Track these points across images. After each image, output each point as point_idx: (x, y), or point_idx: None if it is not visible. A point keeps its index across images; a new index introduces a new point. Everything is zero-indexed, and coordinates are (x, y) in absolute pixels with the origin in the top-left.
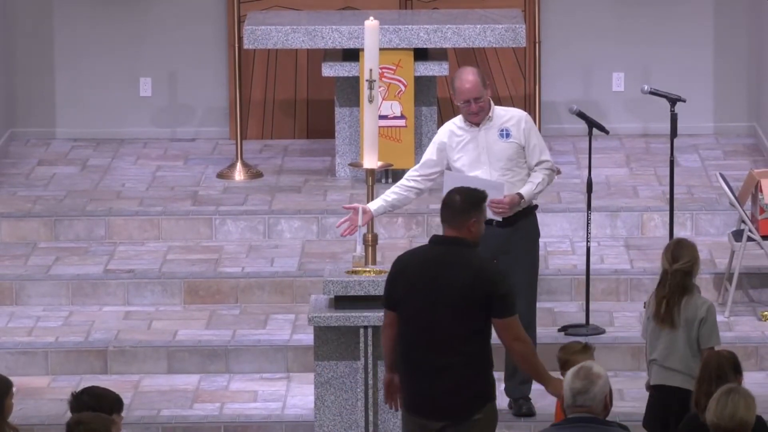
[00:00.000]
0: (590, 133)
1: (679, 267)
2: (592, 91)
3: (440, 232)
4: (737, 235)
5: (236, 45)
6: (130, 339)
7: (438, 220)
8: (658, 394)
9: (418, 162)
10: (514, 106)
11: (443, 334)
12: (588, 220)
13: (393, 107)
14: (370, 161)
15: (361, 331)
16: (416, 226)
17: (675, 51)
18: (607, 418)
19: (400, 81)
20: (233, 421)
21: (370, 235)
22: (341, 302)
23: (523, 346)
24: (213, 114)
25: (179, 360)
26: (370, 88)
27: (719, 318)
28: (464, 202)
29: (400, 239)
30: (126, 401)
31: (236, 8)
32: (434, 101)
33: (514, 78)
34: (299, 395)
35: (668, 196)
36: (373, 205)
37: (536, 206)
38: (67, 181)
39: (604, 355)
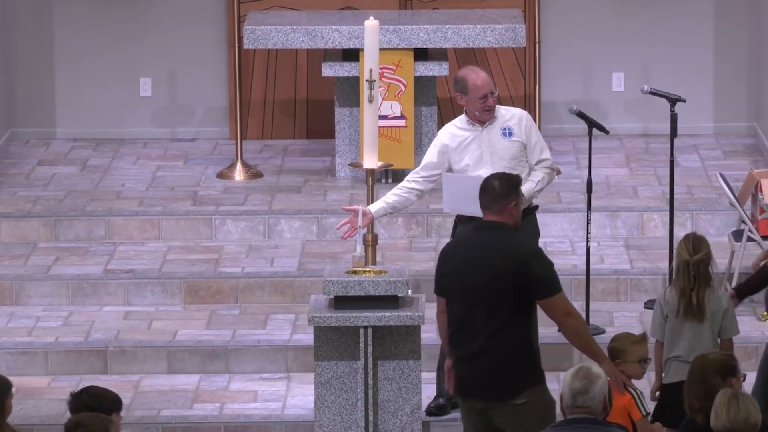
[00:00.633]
0: (590, 133)
1: (701, 257)
2: (592, 91)
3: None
4: (737, 235)
5: (236, 45)
6: (130, 339)
7: (438, 219)
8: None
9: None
10: (514, 106)
11: (484, 317)
12: (588, 220)
13: (393, 107)
14: (370, 161)
15: (361, 331)
16: (416, 226)
17: (675, 51)
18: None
19: (400, 81)
20: (233, 421)
21: (370, 236)
22: (341, 302)
23: (574, 321)
24: (213, 114)
25: (179, 360)
26: (370, 88)
27: None
28: (503, 187)
29: (400, 239)
30: (126, 401)
31: (236, 8)
32: (434, 101)
33: (514, 78)
34: (299, 395)
35: (668, 196)
36: (374, 207)
37: (536, 207)
38: (67, 181)
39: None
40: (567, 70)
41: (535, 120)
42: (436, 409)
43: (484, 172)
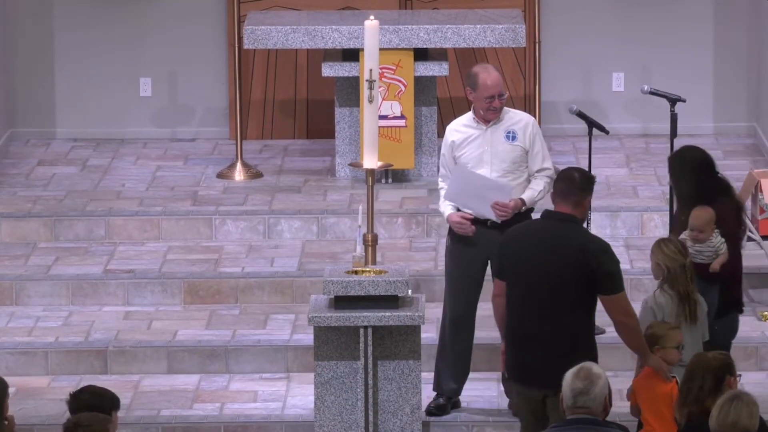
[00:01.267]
0: (590, 133)
1: (690, 261)
2: (592, 91)
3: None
4: None
5: (236, 45)
6: (130, 339)
7: (438, 219)
8: None
9: (418, 163)
10: (514, 106)
11: (544, 305)
12: (588, 221)
13: (393, 107)
14: (370, 161)
15: (361, 331)
16: (416, 226)
17: (675, 51)
18: (607, 418)
19: (400, 81)
20: (233, 421)
21: (370, 235)
22: (341, 302)
23: (631, 321)
24: (213, 114)
25: (179, 360)
26: (370, 88)
27: None
28: (583, 180)
29: (400, 239)
30: (126, 401)
31: (236, 8)
32: (434, 101)
33: (514, 78)
34: (299, 395)
35: (668, 196)
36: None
37: (532, 209)
38: (67, 181)
39: (604, 355)
40: (567, 70)
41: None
42: (436, 409)
43: (482, 173)
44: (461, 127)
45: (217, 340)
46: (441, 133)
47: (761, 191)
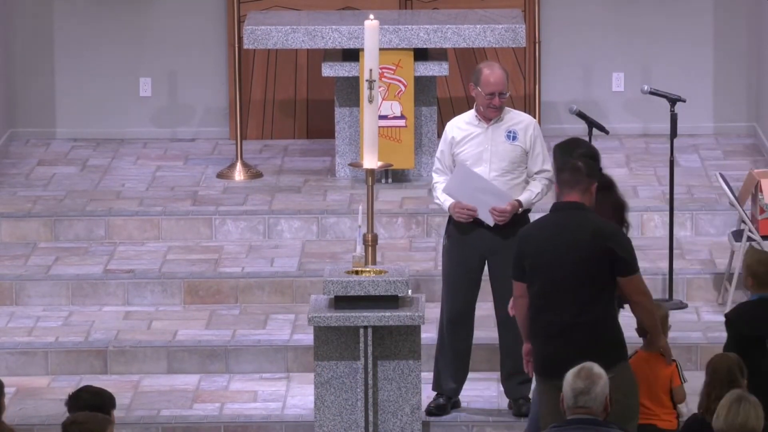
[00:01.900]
0: (590, 133)
1: None
2: (592, 91)
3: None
4: (737, 235)
5: (236, 45)
6: (130, 339)
7: (438, 219)
8: None
9: (418, 163)
10: (513, 106)
11: (570, 295)
12: None
13: (393, 107)
14: (370, 161)
15: (361, 331)
16: (416, 226)
17: (675, 51)
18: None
19: (400, 81)
20: (233, 421)
21: (370, 235)
22: (341, 302)
23: (648, 300)
24: (213, 114)
25: (179, 360)
26: (370, 88)
27: (719, 318)
28: (588, 168)
29: (400, 239)
30: (126, 401)
31: (236, 8)
32: (434, 101)
33: (514, 78)
34: (299, 395)
35: (668, 196)
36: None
37: (529, 210)
38: (67, 181)
39: None
40: (567, 70)
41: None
42: (436, 409)
43: (480, 171)
44: (463, 124)
45: (217, 340)
46: (441, 133)
47: (761, 191)
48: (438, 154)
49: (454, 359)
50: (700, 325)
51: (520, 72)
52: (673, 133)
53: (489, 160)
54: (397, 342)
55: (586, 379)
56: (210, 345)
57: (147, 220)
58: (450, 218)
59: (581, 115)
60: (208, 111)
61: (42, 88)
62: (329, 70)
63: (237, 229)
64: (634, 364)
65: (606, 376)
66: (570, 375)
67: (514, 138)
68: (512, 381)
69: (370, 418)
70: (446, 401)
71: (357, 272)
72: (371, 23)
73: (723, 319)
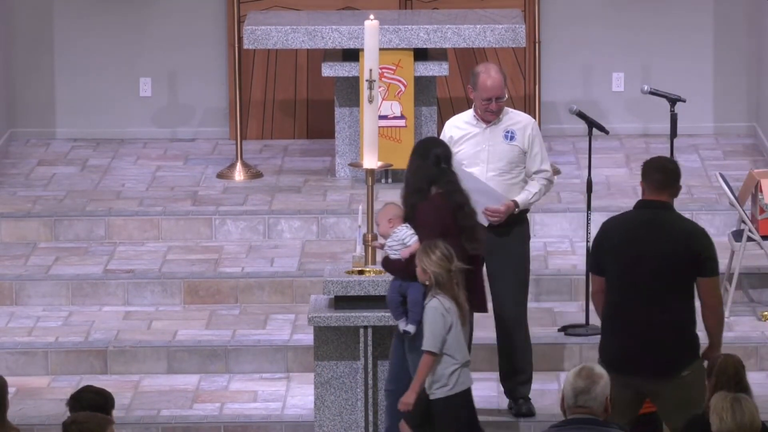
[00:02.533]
0: (590, 133)
1: (456, 266)
2: (592, 91)
3: None
4: (737, 235)
5: (236, 45)
6: (130, 339)
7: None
8: None
9: None
10: (513, 105)
11: (651, 292)
12: (588, 221)
13: (393, 107)
14: (370, 161)
15: (361, 331)
16: None
17: (675, 51)
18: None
19: (400, 81)
20: (233, 421)
21: (370, 235)
22: (341, 302)
23: (720, 305)
24: (213, 114)
25: (179, 360)
26: (370, 88)
27: None
28: (678, 169)
29: None
30: (126, 401)
31: (236, 8)
32: (434, 101)
33: (514, 78)
34: (299, 395)
35: None
36: None
37: (527, 210)
38: (67, 181)
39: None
40: (567, 70)
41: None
42: None
43: (477, 171)
44: (461, 124)
45: (217, 340)
46: (441, 133)
47: (761, 191)
48: None
49: None
50: (700, 325)
51: (520, 72)
52: (673, 133)
53: (486, 160)
54: None
55: (586, 378)
56: (210, 345)
57: (147, 220)
58: None
59: (581, 115)
60: (208, 111)
61: (42, 88)
62: (329, 70)
63: (237, 229)
64: None
65: (606, 377)
66: (571, 374)
67: (512, 138)
68: (512, 381)
69: (370, 418)
70: None
71: (357, 272)
72: (371, 23)
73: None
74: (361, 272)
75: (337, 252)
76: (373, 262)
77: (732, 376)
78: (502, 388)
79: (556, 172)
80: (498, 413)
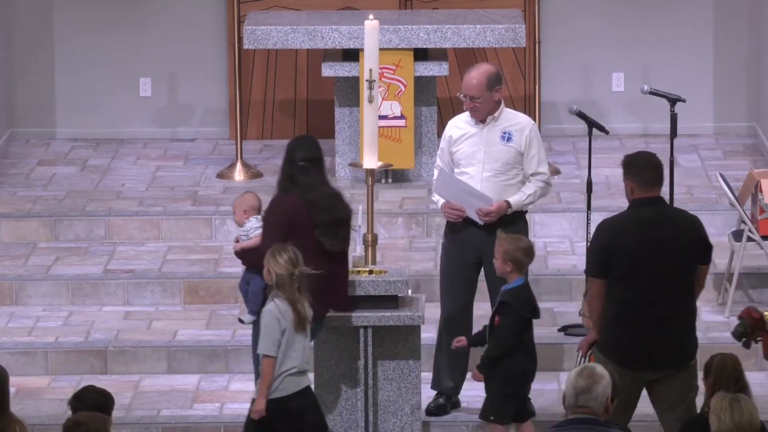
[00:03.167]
0: (590, 133)
1: (300, 271)
2: (592, 91)
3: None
4: (737, 235)
5: (236, 45)
6: (130, 339)
7: (438, 219)
8: None
9: (418, 163)
10: (513, 105)
11: (669, 287)
12: (588, 220)
13: (393, 107)
14: (370, 161)
15: (361, 331)
16: (416, 226)
17: (675, 51)
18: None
19: (400, 81)
20: (233, 421)
21: (370, 235)
22: None
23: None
24: (213, 114)
25: (179, 360)
26: (370, 88)
27: (719, 318)
28: (660, 161)
29: (399, 239)
30: (126, 401)
31: (236, 8)
32: (434, 101)
33: (514, 78)
34: None
35: (668, 196)
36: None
37: (525, 211)
38: (67, 181)
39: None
40: (567, 70)
41: (534, 120)
42: (435, 409)
43: (473, 171)
44: (461, 123)
45: (217, 340)
46: (441, 133)
47: (761, 191)
48: (439, 151)
49: (452, 359)
50: (700, 325)
51: (520, 72)
52: (673, 133)
53: (482, 161)
54: (397, 342)
55: (588, 378)
56: (210, 345)
57: (147, 220)
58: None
59: (581, 115)
60: (208, 111)
61: (42, 88)
62: (329, 70)
63: (237, 229)
64: None
65: (608, 377)
66: (572, 374)
67: (509, 139)
68: None
69: (370, 418)
70: (446, 401)
71: (357, 272)
72: (371, 23)
73: (723, 319)
74: (360, 272)
75: None
76: (373, 262)
77: (731, 374)
78: None
79: (556, 172)
80: None
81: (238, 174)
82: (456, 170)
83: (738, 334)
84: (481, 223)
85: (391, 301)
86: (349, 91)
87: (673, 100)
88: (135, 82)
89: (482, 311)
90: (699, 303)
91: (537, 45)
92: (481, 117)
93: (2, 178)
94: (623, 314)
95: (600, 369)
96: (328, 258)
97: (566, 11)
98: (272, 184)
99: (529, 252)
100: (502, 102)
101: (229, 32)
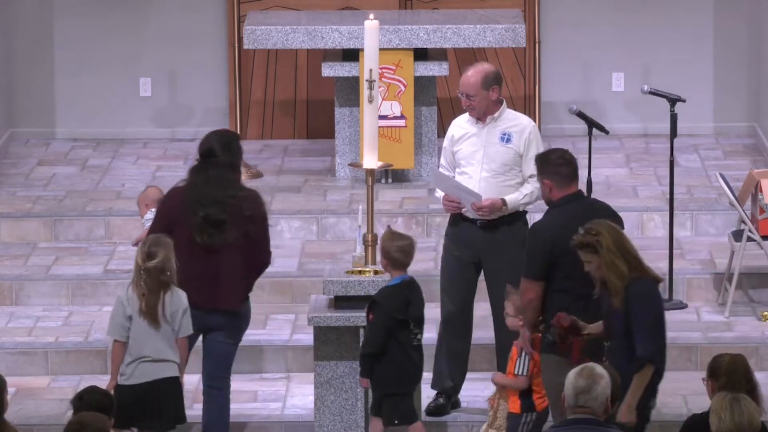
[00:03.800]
0: (590, 133)
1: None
2: (592, 91)
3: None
4: (737, 235)
5: (236, 45)
6: None
7: (438, 219)
8: None
9: (418, 163)
10: (513, 106)
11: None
12: None
13: (393, 107)
14: (370, 161)
15: (361, 331)
16: (416, 226)
17: (675, 51)
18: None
19: (400, 81)
20: (233, 421)
21: (370, 235)
22: (341, 302)
23: None
24: (213, 114)
25: None
26: (370, 88)
27: (719, 318)
28: (575, 159)
29: None
30: None
31: (236, 8)
32: (434, 101)
33: (514, 78)
34: (299, 395)
35: (668, 196)
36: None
37: (525, 212)
38: (67, 181)
39: None
40: (567, 70)
41: (534, 120)
42: (435, 409)
43: (472, 171)
44: (463, 123)
45: None
46: (441, 133)
47: (761, 191)
48: (442, 149)
49: (451, 358)
50: (700, 325)
51: (520, 72)
52: (673, 133)
53: (481, 161)
54: None
55: (587, 378)
56: None
57: None
58: (450, 217)
59: (581, 115)
60: (208, 111)
61: (42, 88)
62: (329, 70)
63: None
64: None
65: (608, 377)
66: (572, 374)
67: (508, 140)
68: None
69: (370, 418)
70: (446, 401)
71: (357, 272)
72: (371, 23)
73: (723, 319)
74: (361, 272)
75: (337, 252)
76: (373, 262)
77: (743, 374)
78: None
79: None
80: None
81: None
82: (456, 170)
83: (548, 342)
84: (475, 217)
85: None
86: (349, 91)
87: (673, 100)
88: (135, 82)
89: (484, 311)
90: (699, 303)
91: (537, 45)
92: (477, 115)
93: (2, 178)
94: (564, 303)
95: (599, 369)
96: (207, 252)
97: (566, 11)
98: (272, 184)
99: (405, 250)
100: (504, 103)
101: (229, 32)
